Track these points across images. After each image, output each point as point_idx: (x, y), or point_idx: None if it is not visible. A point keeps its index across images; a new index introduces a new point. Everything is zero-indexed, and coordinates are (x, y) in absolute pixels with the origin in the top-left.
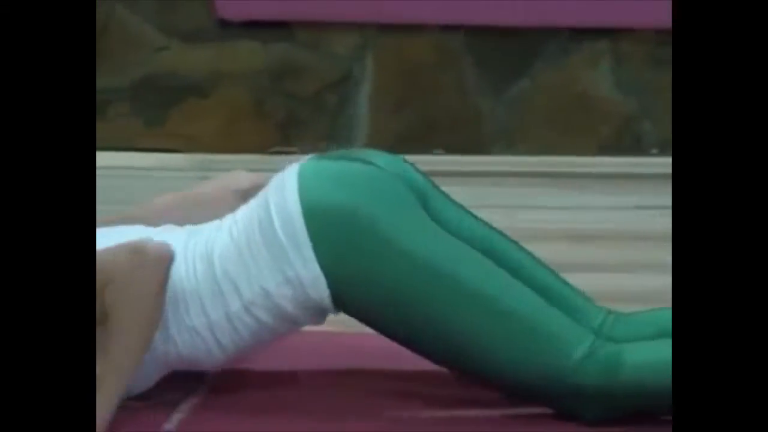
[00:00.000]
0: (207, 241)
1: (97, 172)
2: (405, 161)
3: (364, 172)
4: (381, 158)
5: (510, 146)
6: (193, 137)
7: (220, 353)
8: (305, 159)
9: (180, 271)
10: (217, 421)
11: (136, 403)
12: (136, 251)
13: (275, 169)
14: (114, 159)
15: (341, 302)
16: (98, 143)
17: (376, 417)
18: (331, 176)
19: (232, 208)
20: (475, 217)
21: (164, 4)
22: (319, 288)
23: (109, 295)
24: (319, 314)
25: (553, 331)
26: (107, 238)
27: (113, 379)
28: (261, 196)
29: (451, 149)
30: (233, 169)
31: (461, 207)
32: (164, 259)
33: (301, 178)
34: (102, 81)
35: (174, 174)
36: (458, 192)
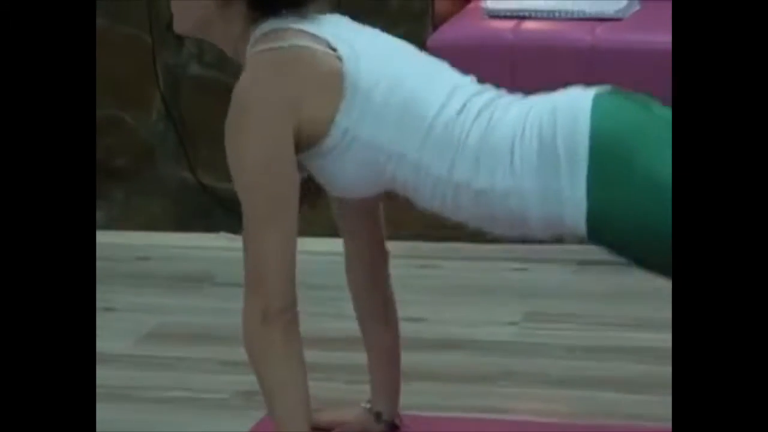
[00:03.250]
0: (495, 105)
1: None
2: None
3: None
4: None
5: None
6: None
7: (431, 204)
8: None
9: (466, 121)
10: None
11: None
12: (265, 317)
13: None
14: None
15: (594, 231)
16: None
17: None
18: (624, 110)
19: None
20: None
21: None
22: (577, 213)
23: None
24: (552, 232)
25: None
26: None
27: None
28: (548, 103)
29: None
30: None
31: None
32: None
33: (596, 106)
34: None
35: None
36: None
